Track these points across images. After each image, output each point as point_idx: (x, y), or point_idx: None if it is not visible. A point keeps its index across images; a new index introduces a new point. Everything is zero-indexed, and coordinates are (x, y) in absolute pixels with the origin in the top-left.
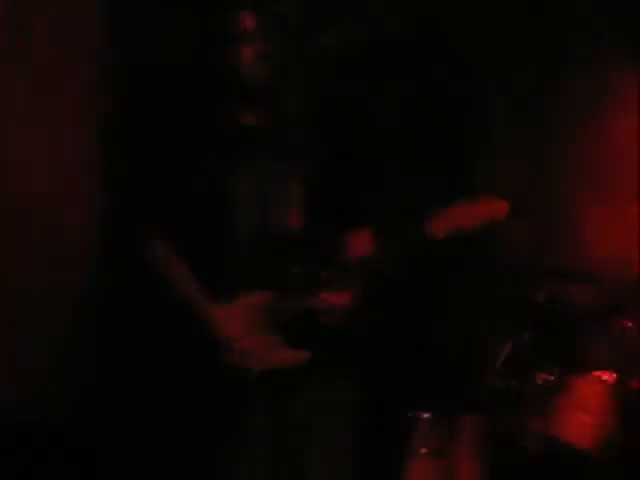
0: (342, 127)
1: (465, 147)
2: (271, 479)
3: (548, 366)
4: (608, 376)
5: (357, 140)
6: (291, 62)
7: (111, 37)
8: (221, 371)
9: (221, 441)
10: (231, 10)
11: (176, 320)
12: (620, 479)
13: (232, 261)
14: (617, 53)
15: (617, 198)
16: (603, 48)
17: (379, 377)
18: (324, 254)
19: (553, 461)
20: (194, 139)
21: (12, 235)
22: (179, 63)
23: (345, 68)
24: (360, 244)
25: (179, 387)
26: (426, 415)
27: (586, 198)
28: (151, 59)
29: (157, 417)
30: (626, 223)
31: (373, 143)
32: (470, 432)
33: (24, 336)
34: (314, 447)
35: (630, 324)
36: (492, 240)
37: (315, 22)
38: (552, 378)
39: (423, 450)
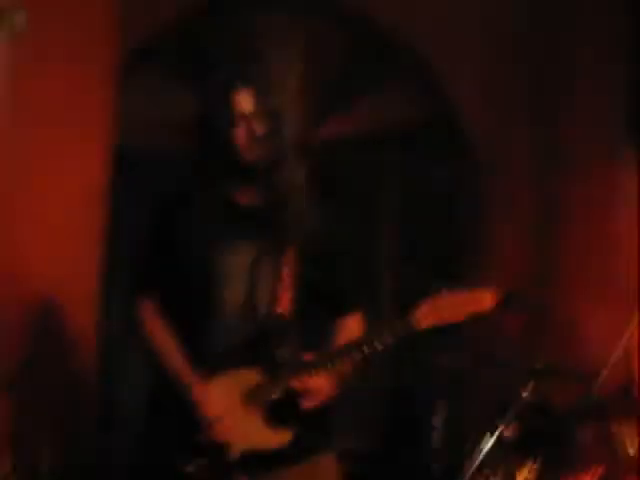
0: (335, 212)
1: (462, 241)
2: None
3: (531, 463)
4: (592, 476)
5: (350, 224)
6: (286, 147)
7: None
8: (203, 449)
9: None
10: (230, 90)
11: (162, 396)
12: None
13: (219, 339)
14: (618, 149)
15: (614, 299)
16: (603, 143)
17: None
18: (311, 337)
19: None
20: (186, 215)
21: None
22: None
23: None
24: (351, 328)
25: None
26: None
27: (582, 296)
28: (148, 137)
29: None
30: (621, 326)
31: (366, 228)
32: None
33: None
34: None
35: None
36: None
37: (316, 114)
38: (535, 475)
39: None
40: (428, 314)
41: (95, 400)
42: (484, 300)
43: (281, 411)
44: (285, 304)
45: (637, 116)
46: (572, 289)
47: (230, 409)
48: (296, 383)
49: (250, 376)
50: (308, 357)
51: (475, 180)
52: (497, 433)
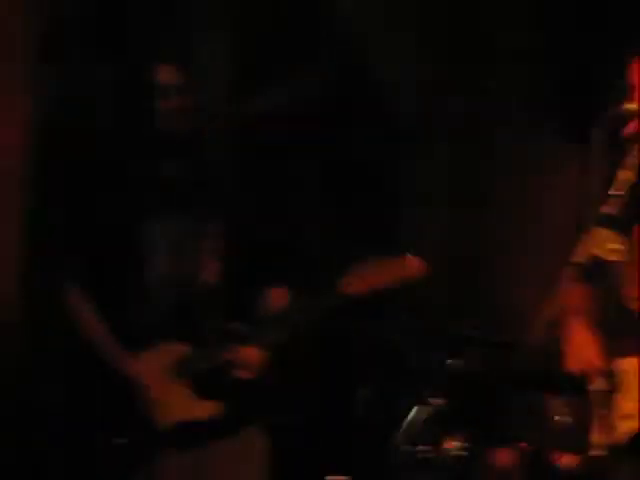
0: (264, 181)
1: (390, 207)
2: None
3: (463, 434)
4: (523, 446)
5: (278, 195)
6: (213, 118)
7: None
8: (132, 421)
9: None
10: (152, 62)
11: (88, 368)
12: None
13: (147, 311)
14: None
15: (547, 264)
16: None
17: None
18: (241, 308)
19: None
20: (112, 186)
21: None
22: (99, 112)
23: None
24: (277, 300)
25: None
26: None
27: (516, 262)
28: (71, 107)
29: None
30: (555, 291)
31: (295, 198)
32: None
33: None
34: None
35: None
36: (411, 301)
37: (241, 85)
38: (463, 446)
39: None
40: (355, 281)
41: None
42: (411, 266)
43: (212, 383)
44: (211, 274)
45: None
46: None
47: (159, 381)
48: (228, 354)
49: (179, 348)
50: (237, 328)
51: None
52: (426, 404)
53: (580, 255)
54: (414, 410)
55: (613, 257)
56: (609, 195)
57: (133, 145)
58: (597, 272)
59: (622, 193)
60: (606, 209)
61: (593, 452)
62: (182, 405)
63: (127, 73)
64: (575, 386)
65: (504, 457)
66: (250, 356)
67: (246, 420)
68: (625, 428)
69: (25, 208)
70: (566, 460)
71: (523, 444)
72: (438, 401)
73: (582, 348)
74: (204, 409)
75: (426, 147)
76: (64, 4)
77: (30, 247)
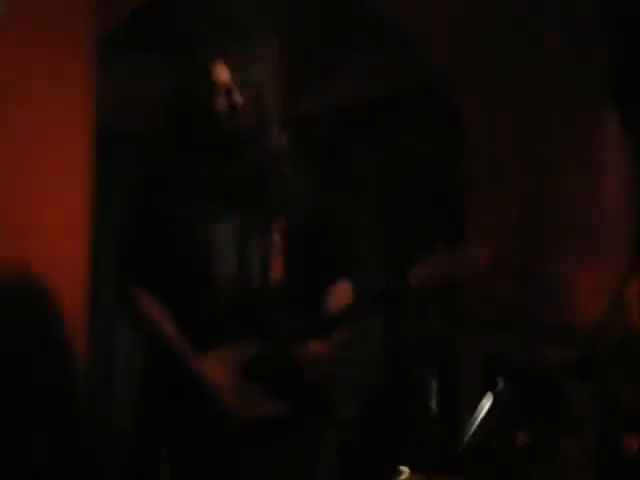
0: (320, 180)
1: (449, 200)
2: None
3: (529, 426)
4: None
5: (340, 191)
6: (268, 117)
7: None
8: (205, 420)
9: None
10: (207, 61)
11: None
12: None
13: (214, 311)
14: (600, 113)
15: (607, 259)
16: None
17: (360, 430)
18: (306, 305)
19: None
20: (174, 187)
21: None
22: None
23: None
24: (340, 295)
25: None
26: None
27: (575, 257)
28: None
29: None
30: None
31: (355, 194)
32: None
33: None
34: None
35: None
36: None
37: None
38: (531, 438)
39: None
40: (425, 273)
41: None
42: (482, 257)
43: (282, 380)
44: (277, 273)
45: (619, 79)
46: (559, 250)
47: (230, 380)
48: (297, 351)
49: (249, 348)
50: (306, 326)
51: (459, 147)
52: (493, 396)
53: None
54: (481, 403)
55: None
56: None
57: (194, 146)
58: None
59: None
60: None
61: None
62: (253, 403)
63: (185, 74)
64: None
65: (571, 446)
66: (322, 353)
67: (315, 418)
68: None
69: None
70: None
71: (590, 432)
72: (506, 392)
73: None
74: (276, 407)
75: None
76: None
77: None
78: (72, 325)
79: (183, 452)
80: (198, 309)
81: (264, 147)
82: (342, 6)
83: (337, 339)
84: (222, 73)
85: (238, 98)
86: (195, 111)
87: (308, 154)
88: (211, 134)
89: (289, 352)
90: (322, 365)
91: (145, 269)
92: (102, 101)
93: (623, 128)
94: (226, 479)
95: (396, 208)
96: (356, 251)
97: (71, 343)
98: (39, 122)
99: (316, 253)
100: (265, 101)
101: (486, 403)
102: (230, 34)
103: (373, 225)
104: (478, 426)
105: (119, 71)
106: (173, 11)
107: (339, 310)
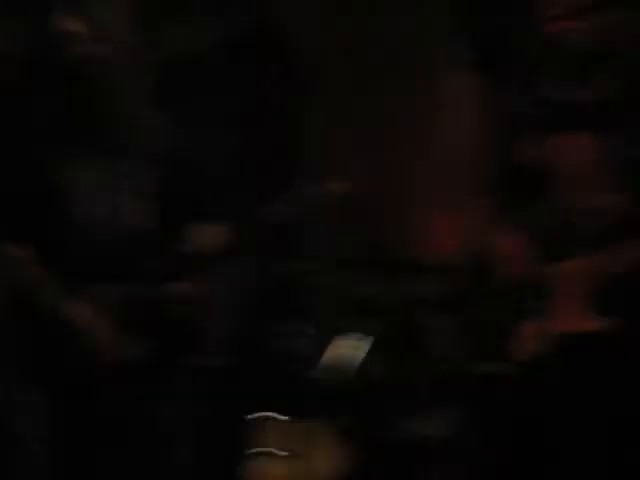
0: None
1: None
2: None
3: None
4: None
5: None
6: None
7: None
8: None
9: None
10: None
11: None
12: None
13: (84, 253)
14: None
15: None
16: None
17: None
18: (174, 246)
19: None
20: (36, 132)
21: None
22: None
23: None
24: (205, 234)
25: None
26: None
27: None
28: None
29: None
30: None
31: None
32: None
33: None
34: None
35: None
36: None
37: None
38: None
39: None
40: (286, 209)
41: None
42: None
43: (149, 320)
44: (140, 213)
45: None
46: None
47: (99, 321)
48: (165, 291)
49: (117, 288)
50: (175, 264)
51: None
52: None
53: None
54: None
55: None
56: None
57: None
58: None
59: None
60: None
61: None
62: (121, 345)
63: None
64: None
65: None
66: (187, 291)
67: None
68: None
69: None
70: None
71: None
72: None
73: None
74: (141, 349)
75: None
76: None
77: None
78: None
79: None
80: (67, 251)
81: (125, 87)
82: None
83: (205, 280)
84: (70, 23)
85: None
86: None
87: (168, 96)
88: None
89: (158, 291)
90: (191, 306)
91: (11, 211)
92: None
93: (476, 63)
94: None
95: (254, 146)
96: (219, 189)
97: None
98: None
99: (183, 194)
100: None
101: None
102: None
103: (233, 163)
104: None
105: None
106: None
107: (207, 249)
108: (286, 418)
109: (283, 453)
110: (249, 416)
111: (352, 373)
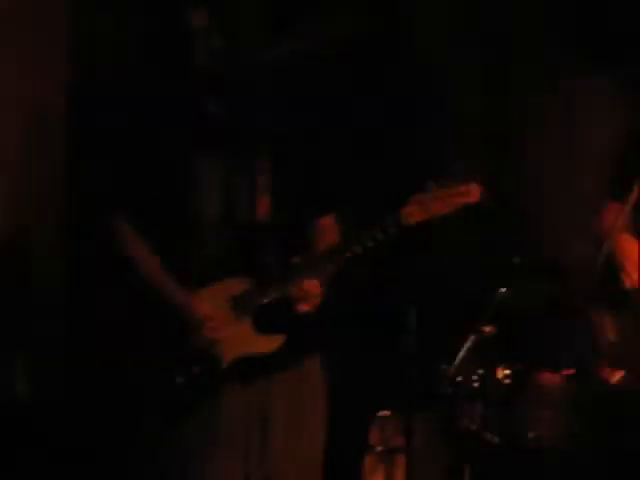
0: (307, 118)
1: (434, 142)
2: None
3: (509, 361)
4: (569, 371)
5: (322, 129)
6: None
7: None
8: (191, 356)
9: (188, 423)
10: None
11: (146, 306)
12: (585, 472)
13: (201, 249)
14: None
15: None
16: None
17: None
18: (293, 241)
19: (517, 456)
20: (158, 127)
21: None
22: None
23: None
24: (328, 231)
25: (148, 371)
26: (383, 412)
27: (557, 197)
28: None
29: (125, 399)
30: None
31: (338, 133)
32: (428, 429)
33: None
34: (279, 431)
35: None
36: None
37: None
38: (513, 373)
39: (379, 447)
40: (417, 209)
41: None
42: (471, 192)
43: (273, 317)
44: (264, 210)
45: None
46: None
47: (220, 317)
48: (292, 287)
49: (237, 284)
50: (296, 261)
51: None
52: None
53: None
54: (467, 341)
55: None
56: None
57: (178, 86)
58: None
59: None
60: None
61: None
62: (243, 340)
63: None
64: (622, 302)
65: (550, 380)
66: (309, 289)
67: (307, 353)
68: None
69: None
70: (615, 376)
71: (570, 366)
72: (488, 329)
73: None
74: (266, 344)
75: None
76: None
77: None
78: None
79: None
80: (184, 247)
81: (244, 90)
82: None
83: (327, 277)
84: (199, 16)
85: (216, 42)
86: (172, 56)
87: (287, 96)
88: (197, 75)
89: (280, 288)
90: (314, 300)
91: (130, 206)
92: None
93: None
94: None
95: (380, 148)
96: (341, 186)
97: None
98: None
99: (301, 190)
100: (241, 43)
101: (469, 340)
102: None
103: (358, 162)
104: (460, 366)
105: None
106: None
107: (336, 243)
108: (401, 415)
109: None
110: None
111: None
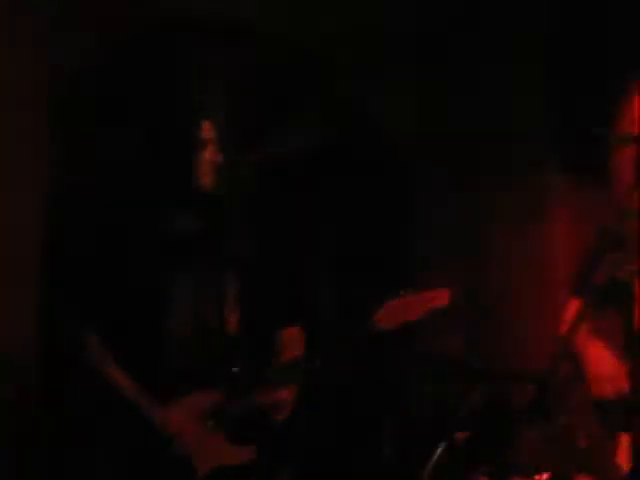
0: (270, 232)
1: (401, 245)
2: None
3: (483, 467)
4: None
5: (291, 240)
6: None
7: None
8: (165, 470)
9: None
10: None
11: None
12: None
13: (174, 360)
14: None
15: (554, 297)
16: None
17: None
18: (261, 352)
19: None
20: (134, 241)
21: None
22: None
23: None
24: (292, 341)
25: None
26: None
27: (523, 296)
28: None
29: None
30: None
31: (307, 244)
32: None
33: None
34: None
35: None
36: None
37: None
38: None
39: None
40: (389, 316)
41: None
42: (441, 298)
43: (243, 427)
44: (233, 323)
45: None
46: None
47: (192, 430)
48: (259, 397)
49: (208, 396)
50: (264, 371)
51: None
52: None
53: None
54: (439, 447)
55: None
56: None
57: (161, 203)
58: (616, 293)
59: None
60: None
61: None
62: (217, 452)
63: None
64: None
65: None
66: (281, 397)
67: (280, 463)
68: None
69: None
70: None
71: (544, 472)
72: (461, 436)
73: (604, 369)
74: (239, 454)
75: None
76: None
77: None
78: None
79: None
80: (155, 359)
81: (221, 200)
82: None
83: (294, 386)
84: (208, 128)
85: (218, 155)
86: (174, 167)
87: (258, 206)
88: (185, 191)
89: (251, 398)
90: (284, 411)
91: (101, 318)
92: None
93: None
94: None
95: (348, 255)
96: (308, 296)
97: None
98: None
99: (269, 300)
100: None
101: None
102: (211, 94)
103: (326, 272)
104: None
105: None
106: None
107: (294, 356)
108: None
109: None
110: None
111: None
